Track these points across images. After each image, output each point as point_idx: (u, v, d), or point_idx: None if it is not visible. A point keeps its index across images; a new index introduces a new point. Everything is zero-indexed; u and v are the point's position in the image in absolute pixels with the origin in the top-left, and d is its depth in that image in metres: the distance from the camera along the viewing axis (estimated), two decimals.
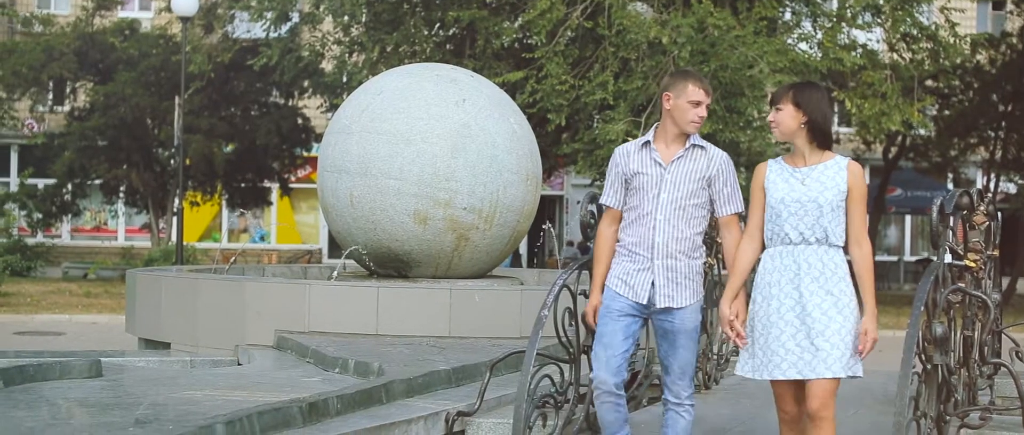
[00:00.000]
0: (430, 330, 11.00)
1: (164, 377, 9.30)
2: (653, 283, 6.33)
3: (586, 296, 7.27)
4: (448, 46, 23.30)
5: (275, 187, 37.77)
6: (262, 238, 42.20)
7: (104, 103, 33.07)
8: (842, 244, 5.90)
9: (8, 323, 21.40)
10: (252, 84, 34.22)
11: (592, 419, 7.18)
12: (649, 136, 6.44)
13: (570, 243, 37.21)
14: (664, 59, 20.30)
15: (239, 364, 10.44)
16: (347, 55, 24.62)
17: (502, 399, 8.16)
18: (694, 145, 6.40)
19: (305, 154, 36.26)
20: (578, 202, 34.51)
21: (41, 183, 35.85)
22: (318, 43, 25.50)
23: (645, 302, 6.36)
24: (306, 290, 11.19)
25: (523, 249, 32.22)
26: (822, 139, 5.94)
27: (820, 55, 21.57)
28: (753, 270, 6.15)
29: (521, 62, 21.82)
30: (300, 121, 35.01)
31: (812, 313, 5.81)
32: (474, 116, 12.28)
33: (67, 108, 36.32)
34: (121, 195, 35.85)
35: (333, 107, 25.29)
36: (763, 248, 6.01)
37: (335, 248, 29.67)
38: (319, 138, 27.70)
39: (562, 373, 7.20)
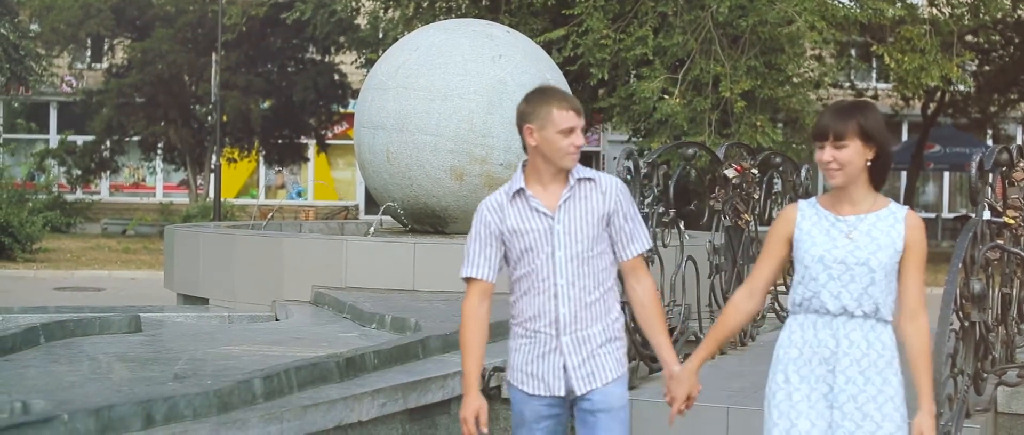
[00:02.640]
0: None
1: (202, 332, 9.36)
2: (565, 366, 4.94)
3: None
4: (484, 2, 23.22)
5: (312, 143, 37.84)
6: (299, 194, 42.33)
7: (141, 60, 33.17)
8: (890, 319, 4.63)
9: (48, 279, 21.56)
10: (288, 40, 34.24)
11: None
12: (518, 180, 4.93)
13: None
14: (702, 14, 20.18)
15: (276, 319, 10.50)
16: (382, 11, 24.57)
17: None
18: (580, 179, 4.92)
19: (341, 110, 36.29)
20: (615, 158, 34.50)
21: (80, 140, 36.03)
22: None
23: (563, 393, 4.97)
24: (343, 246, 11.22)
25: None
26: (882, 177, 4.65)
27: (859, 8, 21.38)
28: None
29: (557, 18, 21.72)
30: (336, 77, 35.02)
31: (845, 408, 4.62)
32: (510, 72, 12.25)
33: (105, 65, 36.45)
34: (159, 152, 36.00)
35: (369, 63, 25.26)
36: (760, 310, 5.00)
37: (372, 204, 29.69)
38: (355, 94, 27.70)
39: None
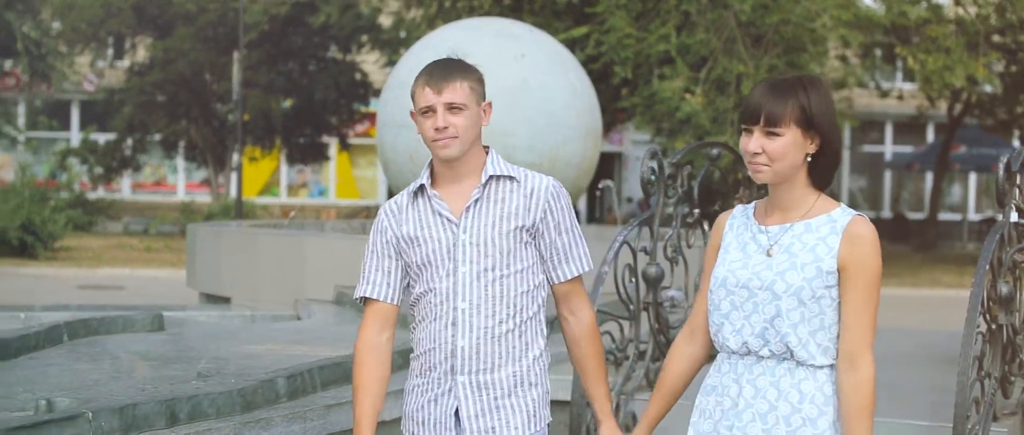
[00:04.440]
0: None
1: (225, 331, 9.36)
2: (458, 411, 3.90)
3: (646, 253, 7.24)
4: (506, 1, 23.21)
5: (333, 142, 37.88)
6: (321, 193, 42.39)
7: (163, 58, 33.26)
8: (825, 362, 3.50)
9: (70, 277, 21.63)
10: (310, 39, 34.30)
11: (652, 376, 7.15)
12: (424, 177, 3.95)
13: (629, 200, 37.17)
14: (725, 13, 20.13)
15: (299, 319, 10.49)
16: (405, 10, 24.60)
17: (559, 355, 8.14)
18: (496, 176, 3.90)
19: (363, 109, 36.34)
20: (638, 158, 34.48)
21: (102, 138, 36.15)
22: None
23: None
24: (363, 245, 11.21)
25: (582, 206, 32.20)
26: (826, 177, 3.57)
27: (884, 8, 21.33)
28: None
29: (580, 17, 21.71)
30: (358, 76, 35.06)
31: None
32: (532, 71, 12.23)
33: (127, 63, 36.56)
34: (180, 150, 36.09)
35: (391, 62, 25.29)
36: (710, 350, 3.82)
37: (391, 197, 29.77)
38: (377, 93, 27.76)
39: (622, 330, 7.17)
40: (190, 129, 34.28)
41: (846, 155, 36.78)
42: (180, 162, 37.83)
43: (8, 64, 28.43)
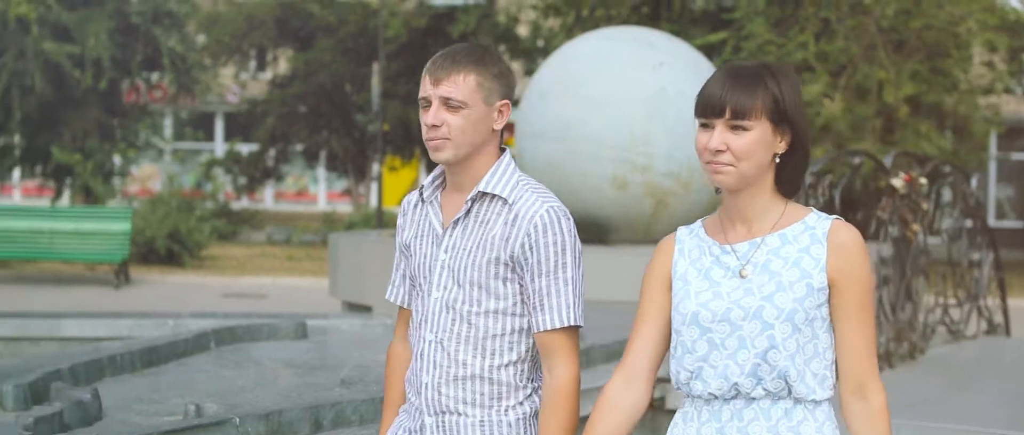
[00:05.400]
0: (629, 295, 10.92)
1: (367, 339, 9.46)
2: None
3: None
4: (644, 9, 23.17)
5: None
6: None
7: (304, 70, 33.76)
8: (824, 396, 2.99)
9: (215, 285, 22.05)
10: None
11: None
12: (433, 175, 3.47)
13: None
14: (865, 19, 19.87)
15: None
16: (542, 19, 24.68)
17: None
18: (484, 194, 3.32)
19: None
20: None
21: (245, 149, 36.82)
22: (514, 8, 25.61)
23: None
24: None
25: None
26: (796, 181, 3.05)
27: None
28: None
29: (717, 24, 21.59)
30: None
31: None
32: (671, 80, 12.19)
33: (269, 75, 37.19)
34: (322, 160, 36.59)
35: (529, 72, 25.38)
36: (651, 399, 3.19)
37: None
38: (516, 103, 27.88)
39: None
40: (331, 140, 34.74)
41: (991, 164, 35.93)
42: (321, 172, 38.37)
43: (155, 77, 29.09)
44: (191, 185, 35.98)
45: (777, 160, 2.98)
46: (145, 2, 26.84)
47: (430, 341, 3.33)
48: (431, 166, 36.72)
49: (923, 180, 9.26)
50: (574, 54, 12.81)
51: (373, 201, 32.94)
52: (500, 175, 3.31)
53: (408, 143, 35.17)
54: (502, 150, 3.38)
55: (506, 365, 3.30)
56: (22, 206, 27.56)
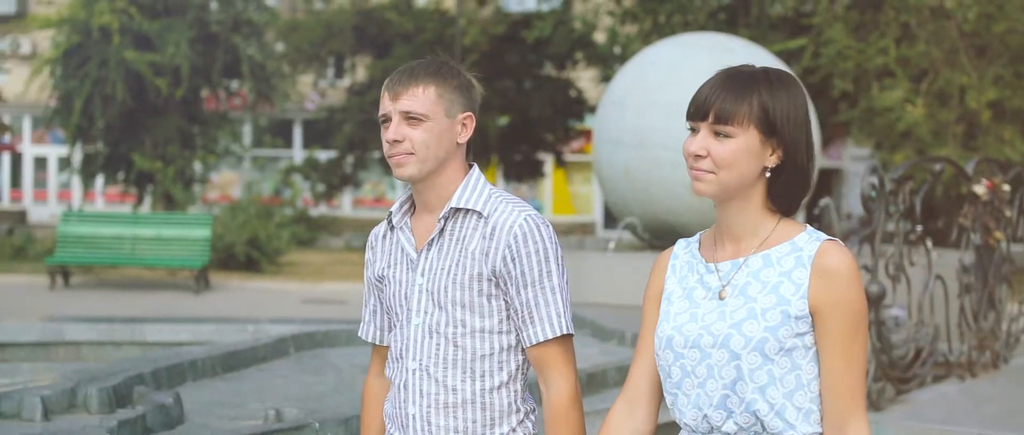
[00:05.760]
0: None
1: None
2: None
3: (868, 271, 7.11)
4: (721, 15, 23.07)
5: (549, 159, 38.14)
6: (537, 210, 42.70)
7: (382, 77, 33.91)
8: (809, 430, 2.74)
9: (294, 291, 22.21)
10: (525, 57, 34.61)
11: (874, 397, 7.02)
12: (399, 201, 3.36)
13: (849, 216, 36.47)
14: (947, 24, 19.65)
15: None
16: (619, 25, 24.65)
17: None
18: (458, 210, 3.21)
19: (579, 126, 36.48)
20: (857, 174, 33.85)
21: (323, 156, 37.06)
22: (590, 14, 25.60)
23: None
24: (582, 261, 11.26)
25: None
26: (790, 200, 2.82)
27: None
28: None
29: (796, 30, 21.45)
30: (573, 93, 35.23)
31: None
32: None
33: (347, 83, 37.42)
34: None
35: (606, 79, 25.36)
36: (655, 424, 3.00)
37: (610, 220, 29.78)
38: (592, 110, 27.87)
39: None
40: None
41: None
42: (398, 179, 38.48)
43: (235, 85, 29.40)
44: (270, 192, 36.28)
45: (768, 174, 2.75)
46: (225, 11, 27.14)
47: (414, 370, 3.17)
48: (509, 174, 36.87)
49: (1006, 187, 9.15)
50: (651, 61, 12.79)
51: None
52: (472, 189, 3.21)
53: (485, 150, 35.25)
54: (470, 166, 3.29)
55: (498, 388, 3.15)
56: (105, 213, 27.88)
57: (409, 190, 3.29)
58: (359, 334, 3.45)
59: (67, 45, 25.68)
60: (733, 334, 2.69)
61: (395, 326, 3.25)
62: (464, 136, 3.28)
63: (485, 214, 3.15)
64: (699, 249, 2.87)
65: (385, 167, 36.60)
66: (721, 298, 2.75)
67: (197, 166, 28.47)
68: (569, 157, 38.16)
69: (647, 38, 22.53)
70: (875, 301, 7.10)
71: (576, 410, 3.15)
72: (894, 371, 7.22)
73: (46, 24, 26.51)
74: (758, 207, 2.78)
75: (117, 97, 25.32)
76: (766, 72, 2.80)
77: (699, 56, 12.48)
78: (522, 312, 3.12)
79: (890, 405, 7.33)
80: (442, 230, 3.18)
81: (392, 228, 3.30)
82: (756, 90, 2.74)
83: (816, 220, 25.69)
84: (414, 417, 3.17)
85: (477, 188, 3.22)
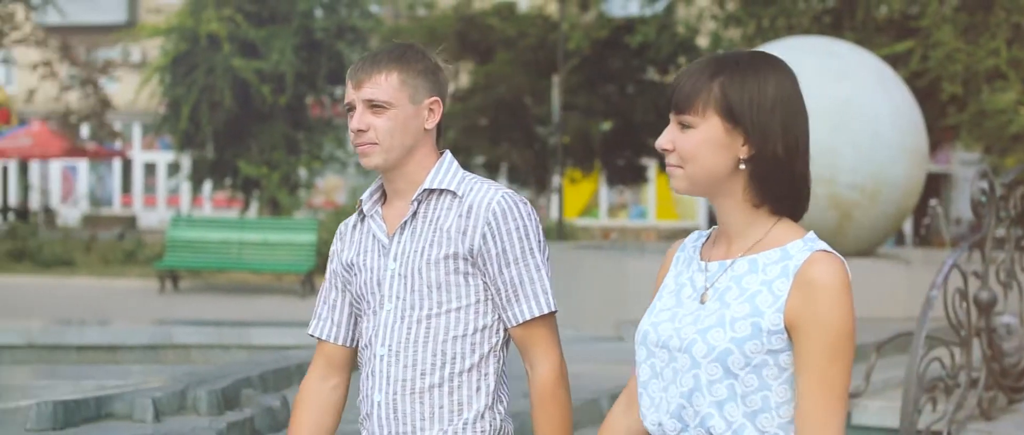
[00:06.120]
0: None
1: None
2: None
3: (978, 277, 7.01)
4: (826, 19, 22.84)
5: (652, 164, 38.03)
6: (641, 215, 42.60)
7: (484, 83, 34.05)
8: None
9: None
10: (628, 62, 34.55)
11: (985, 406, 6.91)
12: (370, 190, 3.25)
13: (958, 221, 35.92)
14: None
15: (621, 339, 10.56)
16: (722, 29, 24.51)
17: (888, 381, 7.97)
18: (430, 191, 3.13)
19: None
20: (966, 179, 33.32)
21: None
22: (693, 18, 25.50)
23: None
24: None
25: (908, 228, 31.33)
26: (772, 197, 2.54)
27: None
28: None
29: (903, 32, 21.17)
30: None
31: None
32: (856, 90, 12.01)
33: (450, 89, 37.57)
34: (503, 172, 36.85)
35: None
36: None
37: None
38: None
39: (953, 356, 6.95)
40: (511, 152, 34.98)
41: None
42: (502, 184, 38.63)
43: (339, 91, 29.71)
44: None
45: (742, 167, 2.48)
46: (329, 18, 27.41)
47: (382, 356, 3.07)
48: (612, 179, 36.81)
49: None
50: None
51: (553, 213, 33.05)
52: (445, 172, 3.13)
53: (588, 155, 35.24)
54: (442, 152, 3.21)
55: (467, 370, 3.05)
56: (213, 218, 28.32)
57: (380, 179, 3.21)
58: (309, 331, 3.34)
59: (175, 53, 26.12)
60: (697, 340, 2.46)
61: (364, 315, 3.16)
62: (431, 121, 3.17)
63: (460, 194, 3.08)
64: (704, 244, 2.66)
65: (489, 172, 36.74)
66: (702, 302, 2.52)
67: (302, 172, 28.77)
68: None
69: (751, 42, 22.36)
70: (986, 308, 6.99)
71: (562, 390, 3.08)
72: (1006, 380, 7.10)
73: (155, 32, 26.98)
74: (742, 205, 2.53)
75: (224, 104, 25.68)
76: (738, 55, 2.55)
77: (803, 60, 12.36)
78: (505, 291, 3.04)
79: (1002, 414, 7.21)
80: (415, 213, 3.10)
81: (363, 217, 3.21)
82: (719, 75, 2.49)
83: (924, 223, 25.04)
84: (379, 404, 3.08)
85: (450, 170, 3.13)
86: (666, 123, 2.54)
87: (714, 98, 2.47)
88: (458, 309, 3.04)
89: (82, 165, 42.92)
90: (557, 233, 28.18)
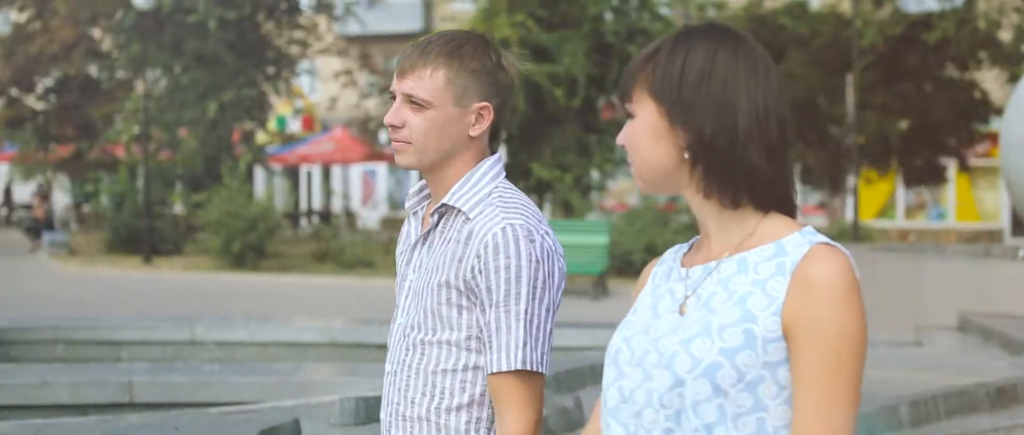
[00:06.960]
0: None
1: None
2: None
3: None
4: None
5: (952, 164, 36.87)
6: (940, 217, 41.37)
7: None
8: None
9: None
10: (925, 58, 33.61)
11: None
12: (421, 184, 2.94)
13: None
14: None
15: (920, 345, 10.29)
16: None
17: None
18: (450, 207, 2.77)
19: (984, 129, 35.12)
20: None
21: None
22: (995, 11, 24.61)
23: None
24: (987, 270, 10.84)
25: None
26: (716, 191, 2.11)
27: None
28: None
29: None
30: (978, 94, 33.94)
31: None
32: None
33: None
34: (796, 173, 36.38)
35: (1013, 79, 24.29)
36: None
37: (1018, 227, 28.49)
38: (999, 112, 26.75)
39: None
40: (805, 152, 34.48)
41: None
42: (796, 185, 38.11)
43: None
44: (665, 199, 36.54)
45: (686, 157, 2.09)
46: (619, 21, 27.54)
47: (388, 372, 2.82)
48: (909, 180, 35.91)
49: None
50: None
51: (849, 214, 32.39)
52: (472, 185, 2.74)
53: (884, 155, 34.44)
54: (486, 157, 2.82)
55: (456, 409, 2.71)
56: None
57: None
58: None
59: None
60: (680, 353, 2.03)
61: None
62: (478, 128, 2.78)
63: (471, 216, 2.70)
64: (685, 254, 2.23)
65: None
66: (681, 313, 2.10)
67: (594, 174, 28.97)
68: (973, 162, 36.77)
69: None
70: None
71: None
72: None
73: None
74: (714, 205, 2.11)
75: (518, 108, 26.10)
76: (688, 30, 2.16)
77: None
78: (484, 335, 2.67)
79: None
80: (435, 226, 2.77)
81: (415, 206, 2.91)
82: (657, 54, 2.12)
83: None
84: (384, 420, 2.83)
85: (477, 185, 2.74)
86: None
87: (644, 79, 2.11)
88: (448, 343, 2.71)
89: (381, 169, 44.27)
90: (852, 235, 27.60)
